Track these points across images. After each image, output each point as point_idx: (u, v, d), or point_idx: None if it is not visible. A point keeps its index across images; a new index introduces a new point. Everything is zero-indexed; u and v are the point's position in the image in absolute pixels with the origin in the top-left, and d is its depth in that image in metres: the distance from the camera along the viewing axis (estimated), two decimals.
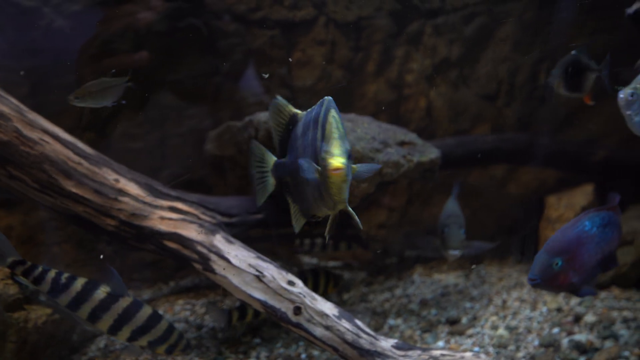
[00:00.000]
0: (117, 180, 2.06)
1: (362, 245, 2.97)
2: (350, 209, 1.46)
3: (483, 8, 3.25)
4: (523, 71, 3.36)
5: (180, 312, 2.75)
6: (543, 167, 3.28)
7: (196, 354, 2.35)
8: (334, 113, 1.42)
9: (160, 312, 2.24)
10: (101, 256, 2.81)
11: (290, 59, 3.01)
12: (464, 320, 2.71)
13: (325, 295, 2.20)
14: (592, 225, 1.87)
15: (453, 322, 2.69)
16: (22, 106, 1.99)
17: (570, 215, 2.81)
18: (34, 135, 1.95)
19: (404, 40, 3.13)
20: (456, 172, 3.16)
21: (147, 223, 2.05)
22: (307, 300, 1.86)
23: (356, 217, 1.47)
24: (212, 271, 1.98)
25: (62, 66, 2.57)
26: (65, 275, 1.88)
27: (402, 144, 2.34)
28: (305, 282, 1.98)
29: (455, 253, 2.47)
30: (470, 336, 2.55)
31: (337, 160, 1.32)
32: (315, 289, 2.23)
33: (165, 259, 2.94)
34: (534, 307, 2.69)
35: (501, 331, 2.58)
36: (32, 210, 2.64)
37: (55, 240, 2.68)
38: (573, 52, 2.34)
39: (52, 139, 1.99)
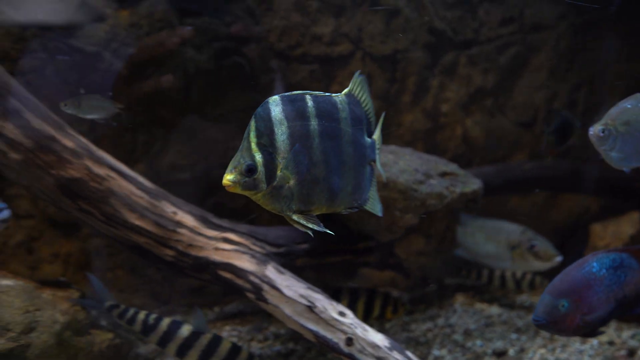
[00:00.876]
0: (175, 213, 2.23)
1: (403, 273, 3.03)
2: (294, 218, 1.43)
3: (517, 37, 3.37)
4: (560, 98, 3.44)
5: (227, 338, 2.86)
6: (586, 194, 3.30)
7: None
8: (258, 114, 1.35)
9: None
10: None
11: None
12: (511, 352, 2.71)
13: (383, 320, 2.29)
14: (601, 267, 1.81)
15: (500, 354, 2.70)
16: (90, 144, 2.19)
17: (618, 245, 2.82)
18: (102, 171, 2.14)
19: (439, 71, 3.26)
20: (495, 199, 3.23)
21: (203, 254, 2.19)
22: (359, 331, 1.94)
23: (303, 227, 1.44)
24: (265, 301, 2.09)
25: None
26: (153, 316, 2.15)
27: (443, 174, 2.44)
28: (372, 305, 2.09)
29: (560, 259, 2.50)
30: None
31: (224, 178, 1.35)
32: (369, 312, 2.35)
33: (210, 286, 3.09)
34: (584, 340, 2.68)
35: None
36: (88, 238, 2.84)
37: (109, 267, 2.87)
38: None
39: (117, 174, 2.18)
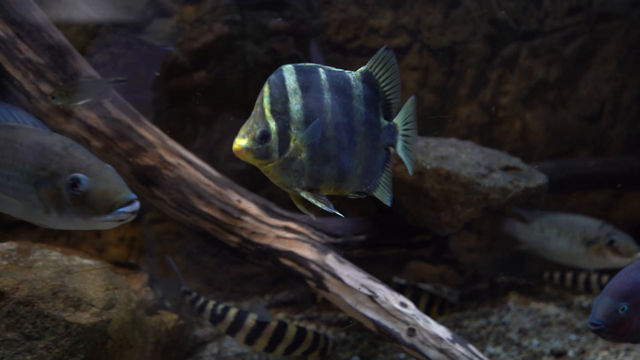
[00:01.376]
0: (239, 201, 2.33)
1: (457, 269, 3.02)
2: (303, 195, 1.32)
3: (584, 28, 3.24)
4: (630, 90, 3.29)
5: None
6: None
7: None
8: (272, 81, 1.28)
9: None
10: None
11: None
12: (571, 353, 2.65)
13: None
14: None
15: (558, 354, 2.64)
16: (163, 134, 2.33)
17: None
18: (173, 160, 2.27)
19: (499, 63, 3.20)
20: (554, 197, 3.14)
21: (265, 241, 2.28)
22: (421, 323, 1.97)
23: (305, 209, 1.36)
24: (326, 289, 2.16)
25: None
26: (220, 306, 2.28)
27: (506, 168, 2.41)
28: (418, 302, 2.10)
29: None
30: None
31: (235, 143, 1.25)
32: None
33: (262, 273, 3.20)
34: None
35: None
36: (150, 224, 3.01)
37: (168, 252, 3.04)
38: None
39: (187, 163, 2.31)
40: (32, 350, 1.82)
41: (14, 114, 1.26)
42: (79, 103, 2.07)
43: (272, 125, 1.25)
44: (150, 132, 2.27)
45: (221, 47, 2.93)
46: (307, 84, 1.29)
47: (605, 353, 2.63)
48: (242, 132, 1.26)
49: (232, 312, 2.24)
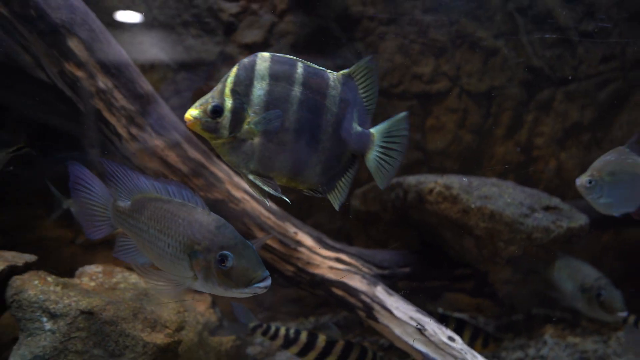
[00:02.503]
0: (295, 233, 2.37)
1: (497, 302, 2.94)
2: (250, 178, 1.25)
3: (618, 74, 3.19)
4: None
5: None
6: None
7: None
8: (243, 63, 1.22)
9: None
10: None
11: None
12: None
13: None
14: None
15: None
16: (230, 171, 2.41)
17: None
18: (238, 195, 2.35)
19: (534, 107, 3.17)
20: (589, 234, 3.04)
21: (318, 271, 2.30)
22: (469, 357, 1.92)
23: (257, 190, 1.29)
24: (375, 320, 2.14)
25: None
26: (292, 330, 2.28)
27: (547, 208, 2.36)
28: (462, 335, 2.06)
29: (624, 314, 2.39)
30: None
31: (187, 112, 1.19)
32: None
33: (307, 296, 3.20)
34: None
35: None
36: None
37: None
38: None
39: (250, 197, 2.37)
40: None
41: (182, 192, 1.35)
42: None
43: (228, 103, 1.20)
44: (219, 170, 2.36)
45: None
46: (278, 73, 1.22)
47: None
48: (197, 103, 1.22)
49: (304, 334, 2.25)
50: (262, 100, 1.20)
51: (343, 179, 1.38)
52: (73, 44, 2.14)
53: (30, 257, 2.04)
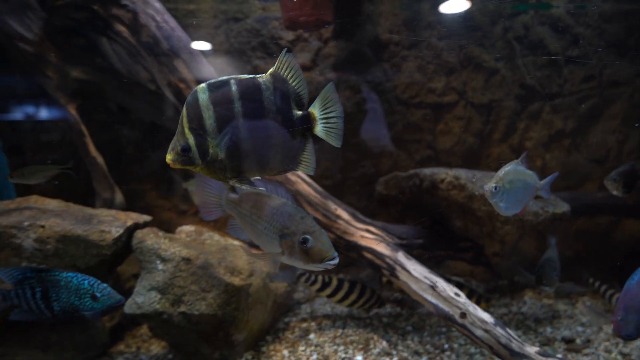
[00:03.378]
0: (335, 209, 2.41)
1: (491, 269, 2.91)
2: (230, 183, 1.22)
3: (596, 91, 3.05)
4: (632, 140, 3.04)
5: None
6: None
7: (368, 330, 2.51)
8: (188, 102, 1.14)
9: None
10: None
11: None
12: (578, 341, 2.47)
13: None
14: None
15: (568, 341, 2.47)
16: None
17: None
18: (293, 178, 2.39)
19: (526, 116, 3.08)
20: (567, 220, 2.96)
21: (352, 239, 2.34)
22: (470, 309, 1.94)
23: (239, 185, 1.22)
24: (397, 277, 2.17)
25: None
26: (326, 277, 2.37)
27: (537, 197, 2.31)
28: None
29: (547, 289, 2.36)
30: (587, 355, 2.31)
31: (167, 157, 1.18)
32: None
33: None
34: None
35: (615, 355, 2.30)
36: None
37: None
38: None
39: (301, 181, 2.42)
40: (205, 298, 1.99)
41: (277, 190, 1.41)
42: (32, 183, 2.01)
43: (191, 140, 1.15)
44: None
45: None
46: (218, 98, 1.14)
47: (607, 343, 2.42)
48: (170, 148, 1.19)
49: (334, 280, 2.34)
50: (214, 126, 1.15)
51: (304, 154, 1.27)
52: (178, 64, 2.23)
53: (147, 217, 2.17)
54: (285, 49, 1.21)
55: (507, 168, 1.77)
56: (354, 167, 3.26)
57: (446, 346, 2.35)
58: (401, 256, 2.21)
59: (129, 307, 1.91)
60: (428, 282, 2.05)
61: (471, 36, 3.02)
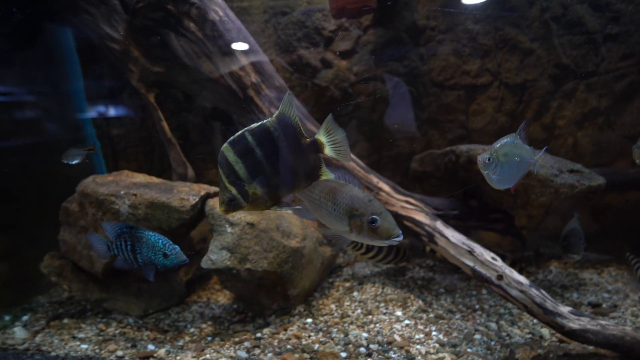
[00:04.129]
0: (377, 182, 2.41)
1: (519, 238, 2.82)
2: (272, 209, 1.33)
3: (634, 69, 2.77)
4: None
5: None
6: None
7: (405, 291, 2.51)
8: (220, 162, 1.25)
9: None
10: None
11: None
12: (605, 306, 2.36)
13: None
14: None
15: (595, 305, 2.37)
16: None
17: None
18: None
19: (559, 95, 2.87)
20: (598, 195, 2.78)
21: (393, 209, 2.34)
22: (507, 271, 1.90)
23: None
24: (435, 243, 2.16)
25: None
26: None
27: (571, 171, 2.19)
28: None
29: (574, 257, 2.22)
30: (613, 318, 2.21)
31: (220, 209, 1.30)
32: None
33: None
34: None
35: None
36: None
37: None
38: None
39: None
40: (266, 257, 2.08)
41: (345, 177, 1.45)
42: (72, 162, 2.21)
43: (233, 191, 1.27)
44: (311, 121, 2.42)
45: (360, 85, 3.01)
46: (241, 151, 1.25)
47: (634, 309, 2.29)
48: (220, 201, 1.32)
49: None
50: (247, 174, 1.26)
51: (321, 168, 1.36)
52: (238, 54, 2.26)
53: (215, 189, 2.28)
54: (288, 92, 1.30)
55: (503, 141, 1.62)
56: (389, 147, 3.21)
57: (477, 306, 2.33)
58: (439, 224, 2.19)
59: (205, 263, 2.05)
60: (466, 247, 2.03)
61: (508, 18, 2.81)
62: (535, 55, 2.82)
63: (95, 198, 2.10)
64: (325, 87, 2.98)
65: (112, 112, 2.90)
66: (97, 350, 1.97)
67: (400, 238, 1.31)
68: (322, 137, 1.34)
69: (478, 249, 2.00)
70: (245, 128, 1.27)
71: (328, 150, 1.34)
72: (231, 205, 1.30)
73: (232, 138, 1.27)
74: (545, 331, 2.03)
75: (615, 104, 2.85)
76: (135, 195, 2.09)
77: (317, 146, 1.33)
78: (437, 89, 3.00)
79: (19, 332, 2.15)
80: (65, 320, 2.28)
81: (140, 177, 2.29)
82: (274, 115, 1.30)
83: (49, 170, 2.36)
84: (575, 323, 1.74)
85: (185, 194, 2.14)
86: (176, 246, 1.67)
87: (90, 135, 2.87)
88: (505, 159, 1.60)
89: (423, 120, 3.05)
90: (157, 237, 1.67)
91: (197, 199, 2.13)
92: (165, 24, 2.36)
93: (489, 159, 1.60)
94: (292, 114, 1.29)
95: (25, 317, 2.32)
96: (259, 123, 1.28)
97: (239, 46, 2.24)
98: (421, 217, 2.24)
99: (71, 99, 2.77)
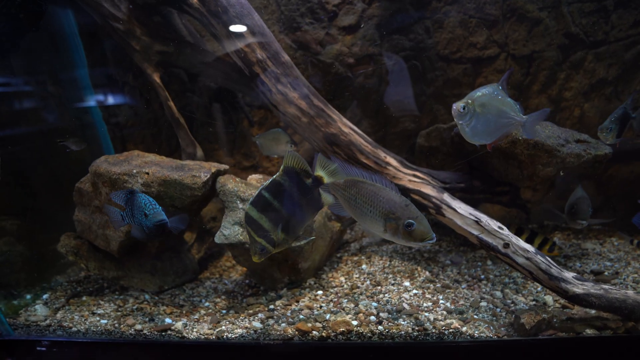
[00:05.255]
0: (385, 157, 2.41)
1: (525, 210, 2.85)
2: (293, 245, 1.57)
3: None
4: None
5: None
6: None
7: (412, 263, 2.56)
8: (246, 221, 1.52)
9: None
10: None
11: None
12: (607, 273, 2.41)
13: None
14: None
15: (597, 273, 2.42)
16: (340, 114, 2.45)
17: None
18: (346, 130, 2.40)
19: (567, 66, 2.81)
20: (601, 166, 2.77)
21: (401, 183, 2.35)
22: (513, 240, 1.93)
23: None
24: (443, 215, 2.18)
25: None
26: None
27: (578, 141, 2.18)
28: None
29: (583, 222, 2.20)
30: (615, 284, 2.26)
31: (253, 259, 1.50)
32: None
33: None
34: None
35: None
36: None
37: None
38: None
39: (354, 132, 2.42)
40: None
41: (382, 181, 1.48)
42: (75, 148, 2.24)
43: (263, 242, 1.49)
44: (333, 113, 2.41)
45: (366, 60, 2.95)
46: (262, 207, 1.47)
47: (635, 275, 2.34)
48: (252, 252, 1.52)
49: None
50: (271, 225, 1.50)
51: (322, 195, 1.57)
52: (242, 30, 2.21)
53: (226, 166, 2.29)
54: (291, 148, 1.57)
55: (483, 90, 1.47)
56: (395, 123, 3.19)
57: (482, 277, 2.38)
58: (447, 196, 2.21)
59: (218, 238, 2.09)
60: (473, 217, 2.05)
61: None
62: (543, 24, 2.75)
63: (108, 177, 2.11)
64: (330, 64, 2.93)
65: (117, 94, 2.87)
66: (117, 325, 2.04)
67: (434, 241, 1.39)
68: (320, 172, 1.53)
69: (485, 219, 2.02)
70: (260, 187, 1.49)
71: (327, 180, 1.54)
72: (262, 254, 1.52)
73: (252, 199, 1.50)
74: (549, 298, 2.09)
75: (624, 74, 2.79)
76: (147, 173, 2.10)
77: (319, 181, 1.53)
78: (443, 63, 2.94)
79: (40, 310, 2.23)
80: (84, 298, 2.35)
81: (151, 157, 2.31)
82: (281, 169, 1.50)
83: (61, 154, 2.38)
84: (579, 288, 1.79)
85: (197, 171, 2.16)
86: (158, 207, 1.66)
87: (98, 119, 2.86)
88: (482, 109, 1.46)
89: (429, 95, 3.01)
90: (143, 197, 1.67)
91: (208, 176, 2.15)
92: (168, 0, 2.29)
93: (464, 108, 1.48)
94: (296, 163, 1.49)
95: (45, 296, 2.39)
96: (270, 180, 1.50)
97: (243, 21, 2.19)
98: (428, 190, 2.26)
99: (76, 83, 2.74)
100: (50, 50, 2.59)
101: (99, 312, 2.19)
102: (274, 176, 1.52)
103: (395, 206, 1.40)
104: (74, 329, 2.04)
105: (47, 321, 2.12)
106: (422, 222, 1.38)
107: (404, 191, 2.35)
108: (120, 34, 2.36)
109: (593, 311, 1.88)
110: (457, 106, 1.52)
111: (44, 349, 1.96)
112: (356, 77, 2.98)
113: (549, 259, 1.88)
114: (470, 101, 1.48)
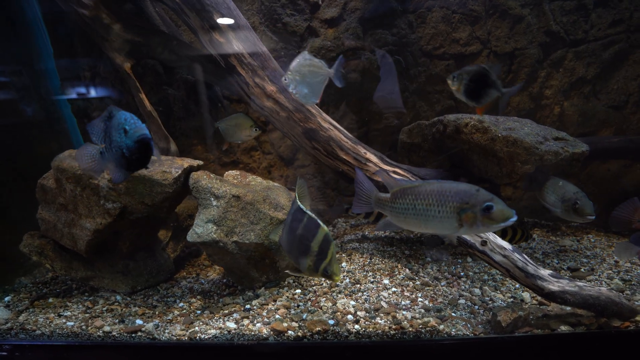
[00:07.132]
0: (365, 153, 2.36)
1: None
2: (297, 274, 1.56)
3: (622, 36, 2.72)
4: None
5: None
6: None
7: (393, 261, 2.53)
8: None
9: None
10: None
11: None
12: (583, 270, 2.44)
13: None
14: None
15: (573, 269, 2.45)
16: (319, 109, 2.39)
17: None
18: (326, 125, 2.34)
19: (548, 64, 2.82)
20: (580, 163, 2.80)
21: (381, 179, 2.31)
22: (491, 237, 1.92)
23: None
24: None
25: None
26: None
27: (557, 139, 2.18)
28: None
29: (592, 218, 2.21)
30: (590, 281, 2.30)
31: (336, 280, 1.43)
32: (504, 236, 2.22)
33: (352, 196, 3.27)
34: None
35: (616, 281, 2.27)
36: (298, 168, 3.18)
37: (309, 185, 3.20)
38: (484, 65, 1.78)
39: (334, 127, 2.36)
40: (253, 230, 2.05)
41: (431, 176, 1.42)
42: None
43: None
44: (313, 107, 2.35)
45: (349, 54, 2.89)
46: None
47: (609, 272, 2.38)
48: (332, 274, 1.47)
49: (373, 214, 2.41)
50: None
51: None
52: (217, 19, 2.12)
53: (200, 162, 2.20)
54: (300, 177, 1.52)
55: (295, 61, 1.69)
56: (377, 120, 3.15)
57: (462, 274, 2.37)
58: None
59: (191, 236, 2.00)
60: None
61: None
62: (525, 21, 2.74)
63: (72, 173, 1.99)
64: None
65: (87, 86, 2.73)
66: (84, 327, 1.94)
67: (515, 219, 1.28)
68: (301, 203, 1.55)
69: None
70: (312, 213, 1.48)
71: (303, 205, 1.55)
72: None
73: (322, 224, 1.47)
74: (526, 295, 2.09)
75: (602, 72, 2.82)
76: None
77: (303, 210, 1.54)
78: (426, 59, 2.91)
79: (1, 313, 2.10)
80: (50, 300, 2.23)
81: None
82: (297, 199, 1.51)
83: (25, 151, 2.23)
84: (554, 285, 1.79)
85: (168, 166, 2.06)
86: (138, 120, 1.41)
87: (67, 112, 2.71)
88: (300, 76, 1.69)
89: (412, 92, 2.98)
90: (123, 113, 1.43)
91: (179, 172, 2.05)
92: None
93: (285, 80, 1.71)
94: (303, 193, 1.52)
95: (7, 298, 2.26)
96: (298, 208, 1.49)
97: (218, 10, 2.09)
98: None
99: (44, 75, 2.58)
100: (10, 37, 2.42)
101: (65, 314, 2.08)
102: (300, 206, 1.50)
103: (466, 195, 1.29)
104: (38, 331, 1.93)
105: (9, 324, 2.00)
106: (499, 202, 1.27)
107: (384, 188, 2.30)
108: (88, 21, 2.23)
109: (568, 308, 1.89)
110: (282, 81, 1.71)
111: (4, 353, 1.84)
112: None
113: (525, 256, 1.88)
114: (289, 73, 1.68)
